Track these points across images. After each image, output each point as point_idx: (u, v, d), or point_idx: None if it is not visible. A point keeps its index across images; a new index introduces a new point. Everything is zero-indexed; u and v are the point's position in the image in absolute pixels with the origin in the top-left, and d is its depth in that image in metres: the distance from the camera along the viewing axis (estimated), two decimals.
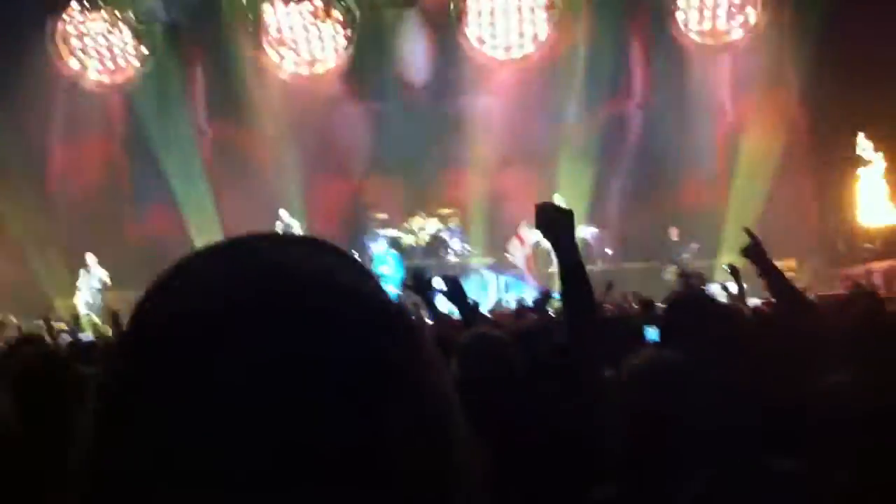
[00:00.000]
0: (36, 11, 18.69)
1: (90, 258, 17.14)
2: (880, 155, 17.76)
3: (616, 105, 19.32)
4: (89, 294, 16.97)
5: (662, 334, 3.79)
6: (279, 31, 20.27)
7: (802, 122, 18.16)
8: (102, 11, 19.89)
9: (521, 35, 20.18)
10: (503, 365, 3.55)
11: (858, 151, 17.94)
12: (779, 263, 15.60)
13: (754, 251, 4.64)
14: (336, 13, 20.19)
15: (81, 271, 17.17)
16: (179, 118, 19.25)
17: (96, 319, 15.63)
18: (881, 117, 16.88)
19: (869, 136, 17.75)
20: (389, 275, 17.11)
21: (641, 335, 5.53)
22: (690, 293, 4.81)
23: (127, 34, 20.16)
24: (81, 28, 20.10)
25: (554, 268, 17.55)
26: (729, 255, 16.93)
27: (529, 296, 16.51)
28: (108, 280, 16.99)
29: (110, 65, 20.40)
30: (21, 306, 15.76)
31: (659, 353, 2.68)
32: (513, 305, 16.22)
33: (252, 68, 19.79)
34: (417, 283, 5.84)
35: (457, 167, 18.92)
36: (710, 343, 3.44)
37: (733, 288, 8.95)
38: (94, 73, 20.31)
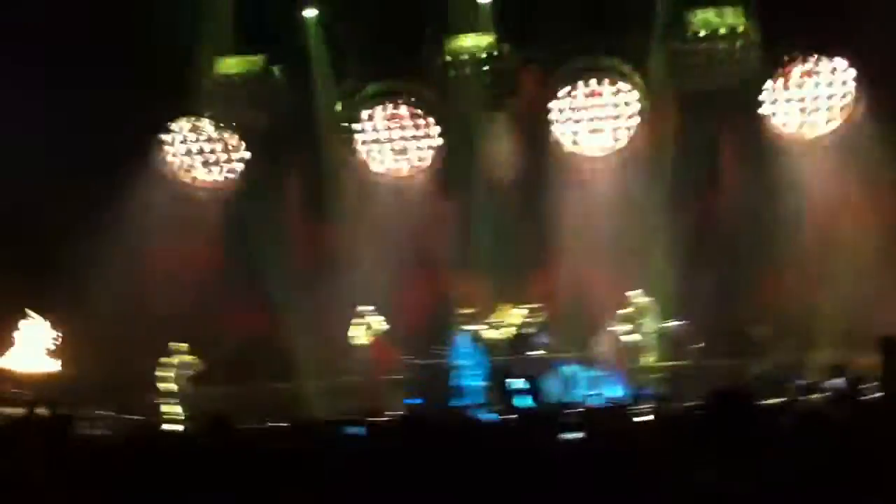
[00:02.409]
0: (143, 119, 19.77)
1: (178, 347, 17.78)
2: None
3: (706, 200, 19.13)
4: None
5: None
6: (373, 133, 20.99)
7: None
8: (205, 119, 20.99)
9: (609, 134, 20.35)
10: None
11: None
12: (870, 360, 14.83)
13: None
14: (428, 118, 20.82)
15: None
16: (275, 218, 19.94)
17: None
18: None
19: None
20: (474, 368, 17.17)
21: None
22: None
23: (228, 140, 21.20)
24: (186, 135, 21.25)
25: (641, 362, 17.37)
26: (824, 351, 16.43)
27: (617, 392, 16.32)
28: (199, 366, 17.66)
29: (212, 169, 21.44)
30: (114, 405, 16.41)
31: None
32: (599, 401, 16.00)
33: (345, 169, 20.53)
34: (501, 393, 6.34)
35: (544, 261, 19.03)
36: None
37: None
38: (197, 177, 21.37)
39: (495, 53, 20.11)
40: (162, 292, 18.79)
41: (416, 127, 20.96)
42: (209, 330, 18.60)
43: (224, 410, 10.24)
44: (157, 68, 18.21)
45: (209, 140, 21.28)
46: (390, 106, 20.93)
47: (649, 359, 17.80)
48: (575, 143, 20.39)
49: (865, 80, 18.85)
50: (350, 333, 18.60)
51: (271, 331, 18.65)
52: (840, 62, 19.09)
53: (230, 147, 21.33)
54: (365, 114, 20.94)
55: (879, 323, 16.14)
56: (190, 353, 17.89)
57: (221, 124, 21.08)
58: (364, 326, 18.56)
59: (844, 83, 19.25)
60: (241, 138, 21.11)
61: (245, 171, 21.13)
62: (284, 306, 18.74)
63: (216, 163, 21.42)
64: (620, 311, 17.87)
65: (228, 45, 20.18)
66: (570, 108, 20.26)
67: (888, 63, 17.40)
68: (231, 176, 21.32)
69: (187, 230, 19.89)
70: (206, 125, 21.16)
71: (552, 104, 20.20)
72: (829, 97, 19.44)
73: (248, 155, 21.17)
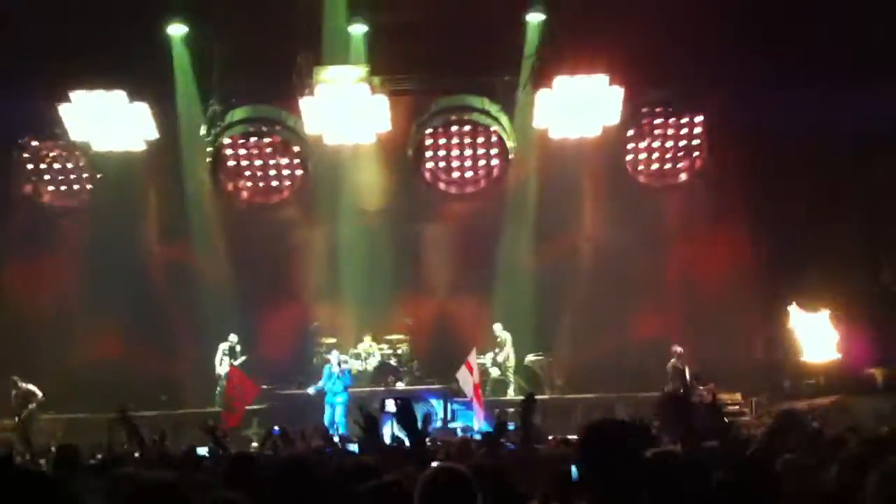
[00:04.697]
0: None
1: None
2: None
3: (567, 238, 19.66)
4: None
5: None
6: (237, 161, 20.53)
7: (750, 261, 18.59)
8: (59, 140, 20.02)
9: (476, 172, 20.66)
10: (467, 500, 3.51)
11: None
12: (726, 396, 15.45)
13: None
14: (294, 147, 20.46)
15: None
16: (132, 240, 19.28)
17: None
18: (827, 259, 17.41)
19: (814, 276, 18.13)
20: (338, 399, 16.99)
21: None
22: None
23: (82, 160, 20.33)
24: (38, 154, 20.33)
25: (505, 397, 17.58)
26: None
27: (476, 424, 16.42)
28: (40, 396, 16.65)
29: (65, 188, 20.58)
30: None
31: None
32: (459, 433, 16.04)
33: (207, 194, 20.06)
34: (367, 424, 6.14)
35: (407, 293, 19.16)
36: None
37: None
38: (49, 196, 20.48)
39: (366, 85, 20.04)
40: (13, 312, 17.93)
41: (283, 155, 20.64)
42: (61, 353, 17.82)
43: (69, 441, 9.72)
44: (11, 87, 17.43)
45: (58, 161, 20.44)
46: (256, 133, 20.53)
47: (510, 391, 18.07)
48: (440, 178, 20.61)
49: (714, 134, 19.84)
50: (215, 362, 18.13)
51: (126, 356, 17.97)
52: (695, 117, 20.06)
53: (81, 168, 20.49)
54: (229, 140, 20.43)
55: (731, 361, 17.12)
56: (29, 381, 16.96)
57: (74, 148, 20.02)
58: (225, 355, 18.07)
59: (696, 136, 20.24)
60: (93, 161, 20.11)
61: (100, 193, 20.20)
62: (141, 330, 18.12)
63: (66, 184, 20.59)
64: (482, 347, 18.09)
65: (84, 75, 18.87)
66: (438, 145, 20.48)
67: (733, 121, 18.49)
68: (82, 198, 20.49)
69: (39, 248, 19.04)
70: (57, 147, 20.24)
71: (422, 139, 20.33)
72: (683, 147, 20.38)
73: (98, 176, 20.27)
